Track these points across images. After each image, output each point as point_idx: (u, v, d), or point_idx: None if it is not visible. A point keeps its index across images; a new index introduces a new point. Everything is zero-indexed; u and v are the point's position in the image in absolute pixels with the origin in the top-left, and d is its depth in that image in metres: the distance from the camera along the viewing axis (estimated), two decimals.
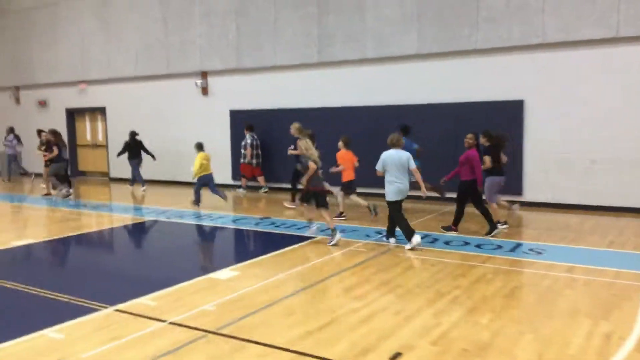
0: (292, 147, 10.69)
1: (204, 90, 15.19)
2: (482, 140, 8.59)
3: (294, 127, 10.51)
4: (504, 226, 8.77)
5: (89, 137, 18.26)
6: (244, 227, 9.41)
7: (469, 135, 8.37)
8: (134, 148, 14.23)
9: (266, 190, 13.53)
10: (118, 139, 16.27)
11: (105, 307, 5.30)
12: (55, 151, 13.24)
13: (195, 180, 11.36)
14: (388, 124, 10.86)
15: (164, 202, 12.46)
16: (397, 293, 5.67)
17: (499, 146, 8.72)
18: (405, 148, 7.87)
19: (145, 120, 16.06)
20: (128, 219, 10.68)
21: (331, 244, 7.72)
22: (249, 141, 13.18)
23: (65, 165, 13.64)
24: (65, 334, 4.68)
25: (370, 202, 9.79)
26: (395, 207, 7.58)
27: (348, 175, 9.56)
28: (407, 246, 7.43)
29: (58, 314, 5.19)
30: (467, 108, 11.25)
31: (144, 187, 14.39)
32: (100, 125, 17.89)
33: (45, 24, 18.04)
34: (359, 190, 9.94)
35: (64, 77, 17.81)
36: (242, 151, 13.31)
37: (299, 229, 8.99)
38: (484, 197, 8.61)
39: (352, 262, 6.94)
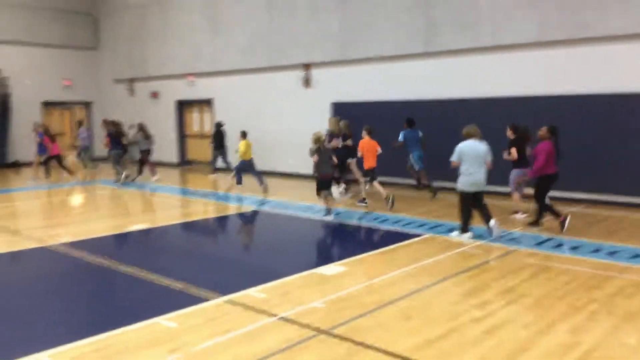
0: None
1: (306, 83, 15.14)
2: (508, 133, 8.93)
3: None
4: (523, 216, 8.94)
5: (196, 127, 18.94)
6: (347, 222, 9.16)
7: (543, 128, 8.17)
8: (217, 138, 15.37)
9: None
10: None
11: (216, 297, 5.25)
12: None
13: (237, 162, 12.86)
14: (507, 118, 9.98)
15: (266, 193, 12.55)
16: (524, 303, 5.11)
17: (524, 139, 8.89)
18: (412, 138, 10.18)
19: (249, 111, 16.34)
20: (232, 207, 10.83)
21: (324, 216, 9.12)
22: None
23: (122, 153, 14.66)
24: (178, 323, 4.65)
25: (390, 192, 10.09)
26: (465, 198, 7.53)
27: (370, 163, 10.00)
28: (453, 234, 7.66)
29: (171, 302, 5.21)
30: (601, 100, 10.20)
31: (215, 175, 15.58)
32: (207, 116, 18.49)
33: (158, 21, 18.92)
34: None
35: (175, 70, 18.58)
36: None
37: (405, 225, 8.58)
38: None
39: (467, 264, 6.43)
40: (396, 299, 5.22)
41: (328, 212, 9.25)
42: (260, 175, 12.69)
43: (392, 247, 7.29)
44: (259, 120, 16.01)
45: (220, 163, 15.65)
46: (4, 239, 7.91)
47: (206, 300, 5.19)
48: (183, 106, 19.14)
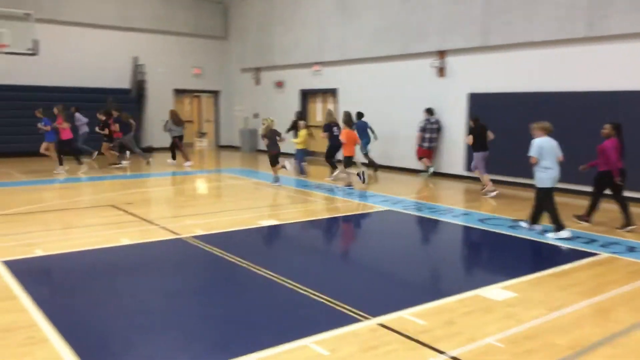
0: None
1: (441, 71, 13.97)
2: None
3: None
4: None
5: (319, 117, 18.50)
6: (498, 230, 8.01)
7: (606, 126, 8.08)
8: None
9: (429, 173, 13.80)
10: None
11: (368, 318, 4.48)
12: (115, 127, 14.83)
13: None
14: None
15: (396, 189, 11.66)
16: None
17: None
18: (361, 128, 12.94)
19: (375, 102, 15.52)
20: (360, 205, 10.08)
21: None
22: (422, 124, 13.80)
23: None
24: (330, 349, 3.94)
25: (360, 169, 11.90)
26: (548, 195, 7.53)
27: (349, 152, 11.72)
28: (551, 235, 7.42)
29: (315, 318, 4.53)
30: None
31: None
32: (331, 106, 17.94)
33: (287, 8, 18.66)
34: None
35: (300, 59, 18.24)
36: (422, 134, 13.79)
37: (585, 243, 7.29)
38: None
39: None
40: (596, 344, 4.12)
41: (276, 180, 12.04)
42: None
43: (565, 267, 6.10)
44: (386, 111, 15.14)
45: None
46: (142, 228, 7.78)
47: (355, 321, 4.45)
48: (307, 96, 18.77)
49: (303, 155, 13.97)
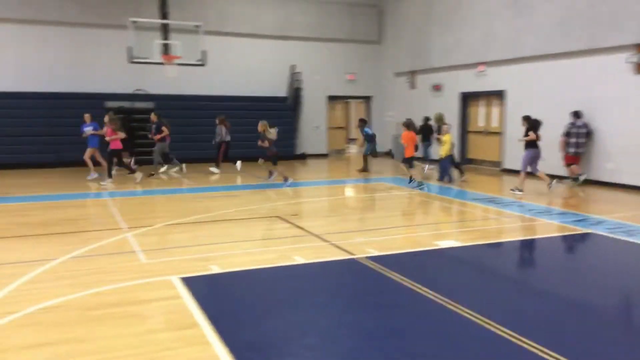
0: None
1: (638, 68, 11.88)
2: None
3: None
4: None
5: (481, 122, 17.06)
6: None
7: None
8: (426, 131, 16.25)
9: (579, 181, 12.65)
10: (516, 126, 14.55)
11: None
12: (166, 131, 14.09)
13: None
14: None
15: (594, 208, 9.99)
16: None
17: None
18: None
19: (548, 104, 13.78)
20: (548, 226, 8.66)
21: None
22: (567, 129, 12.82)
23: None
24: None
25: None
26: None
27: (410, 153, 12.49)
28: None
29: None
30: None
31: (429, 166, 15.79)
32: (495, 110, 16.44)
33: (448, 7, 17.50)
34: None
35: (461, 60, 16.96)
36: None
37: None
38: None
39: None
40: None
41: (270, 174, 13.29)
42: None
43: None
44: (563, 115, 13.28)
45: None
46: (312, 245, 7.29)
47: None
48: (467, 99, 17.42)
49: (449, 163, 13.34)
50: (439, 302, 5.03)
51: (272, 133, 12.93)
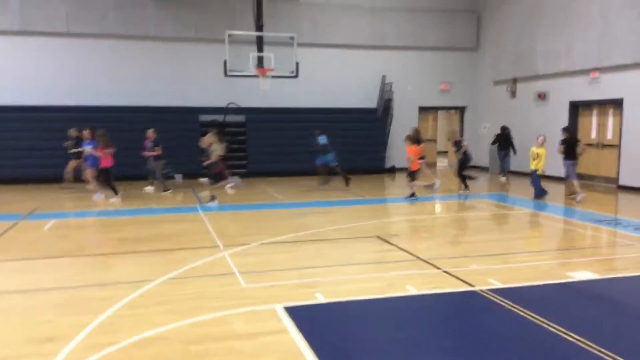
0: None
1: None
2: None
3: None
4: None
5: (594, 134, 15.49)
6: None
7: None
8: (503, 141, 16.52)
9: None
10: (635, 138, 13.10)
11: None
12: (158, 150, 13.29)
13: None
14: None
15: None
16: None
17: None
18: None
19: None
20: None
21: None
22: None
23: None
24: None
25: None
26: None
27: (415, 166, 12.28)
28: None
29: None
30: None
31: (504, 177, 16.24)
32: (611, 120, 14.86)
33: (556, 9, 16.14)
34: None
35: (572, 66, 15.54)
36: None
37: None
38: None
39: None
40: None
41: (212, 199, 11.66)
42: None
43: None
44: None
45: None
46: (422, 272, 6.56)
47: None
48: (578, 108, 15.92)
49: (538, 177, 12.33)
50: (594, 352, 4.13)
51: (220, 148, 11.84)
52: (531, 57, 17.19)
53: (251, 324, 4.85)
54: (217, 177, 12.01)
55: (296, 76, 14.66)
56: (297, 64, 14.48)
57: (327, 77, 18.61)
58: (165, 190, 13.56)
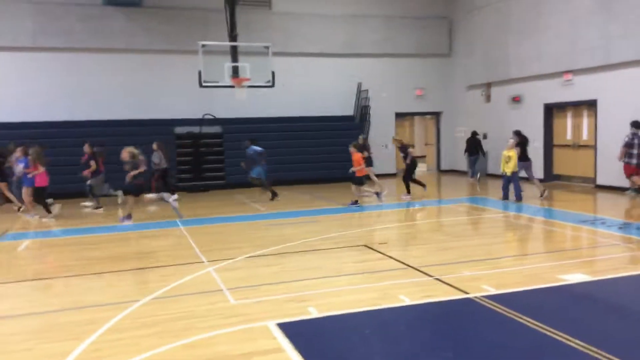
0: None
1: None
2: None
3: None
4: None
5: (569, 135, 15.71)
6: None
7: None
8: (473, 146, 17.42)
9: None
10: (610, 138, 13.33)
11: None
12: (94, 165, 12.91)
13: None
14: None
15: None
16: None
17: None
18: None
19: None
20: None
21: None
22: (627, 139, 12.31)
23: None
24: None
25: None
26: None
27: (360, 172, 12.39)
28: None
29: None
30: None
31: (476, 179, 16.84)
32: (586, 121, 15.09)
33: (526, 14, 16.38)
34: None
35: (545, 69, 15.77)
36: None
37: None
38: None
39: None
40: None
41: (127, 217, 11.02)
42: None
43: None
44: None
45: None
46: (415, 280, 6.43)
47: None
48: (552, 111, 16.14)
49: (516, 180, 12.42)
50: (598, 357, 4.05)
51: (143, 162, 11.41)
52: (504, 62, 17.39)
53: (244, 343, 4.64)
54: (136, 191, 11.19)
55: (272, 86, 14.50)
56: (272, 73, 14.33)
57: (303, 86, 18.50)
58: (96, 208, 12.90)
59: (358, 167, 12.28)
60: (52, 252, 8.86)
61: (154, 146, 14.37)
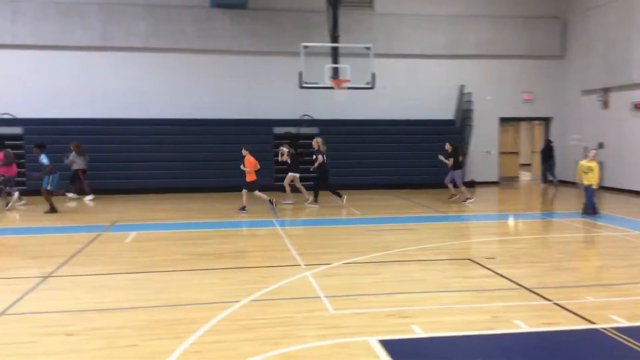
0: None
1: None
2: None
3: None
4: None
5: None
6: None
7: None
8: (547, 153, 18.20)
9: None
10: None
11: None
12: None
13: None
14: None
15: None
16: None
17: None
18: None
19: None
20: None
21: None
22: None
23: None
24: None
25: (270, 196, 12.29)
26: None
27: (251, 177, 12.18)
28: None
29: None
30: None
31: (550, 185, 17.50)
32: None
33: None
34: None
35: None
36: None
37: None
38: None
39: None
40: None
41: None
42: None
43: None
44: None
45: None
46: (530, 304, 5.84)
47: None
48: None
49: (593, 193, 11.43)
50: None
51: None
52: (626, 65, 15.84)
53: (344, 357, 4.38)
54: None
55: (372, 87, 14.19)
56: (373, 74, 14.02)
57: (402, 88, 17.99)
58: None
59: (247, 169, 12.09)
60: (156, 246, 9.11)
61: (71, 146, 14.28)
